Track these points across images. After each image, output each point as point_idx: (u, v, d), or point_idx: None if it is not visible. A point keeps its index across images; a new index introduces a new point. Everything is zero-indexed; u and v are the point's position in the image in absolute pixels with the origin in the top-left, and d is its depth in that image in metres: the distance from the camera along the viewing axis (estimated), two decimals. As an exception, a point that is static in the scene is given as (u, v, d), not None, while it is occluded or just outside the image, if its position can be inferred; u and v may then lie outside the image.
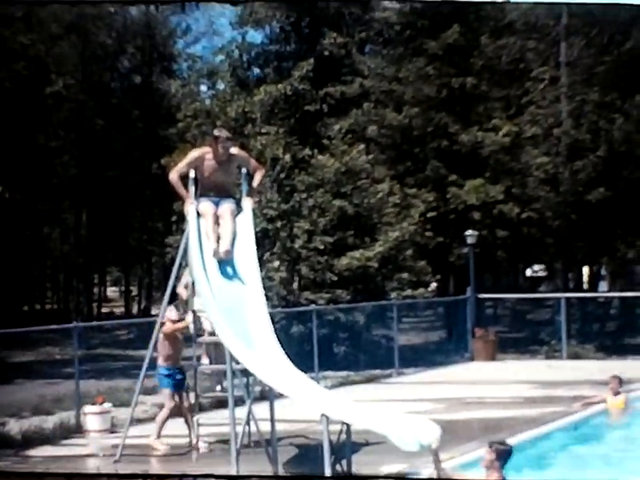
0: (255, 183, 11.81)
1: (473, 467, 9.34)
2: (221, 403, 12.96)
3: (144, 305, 45.14)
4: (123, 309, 48.02)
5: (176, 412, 11.98)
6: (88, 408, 13.66)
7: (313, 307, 19.88)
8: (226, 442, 10.84)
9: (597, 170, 27.13)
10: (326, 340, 20.49)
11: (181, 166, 11.59)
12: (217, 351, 11.62)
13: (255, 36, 29.24)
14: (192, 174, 11.47)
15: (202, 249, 11.02)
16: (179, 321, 12.00)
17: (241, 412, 10.60)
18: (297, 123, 25.77)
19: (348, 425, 9.55)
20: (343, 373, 19.63)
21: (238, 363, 10.26)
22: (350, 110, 26.62)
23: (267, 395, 11.00)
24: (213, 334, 11.08)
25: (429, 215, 25.62)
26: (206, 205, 11.30)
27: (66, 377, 17.09)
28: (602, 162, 27.08)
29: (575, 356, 22.51)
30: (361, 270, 22.52)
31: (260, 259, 11.97)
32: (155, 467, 11.28)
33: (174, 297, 12.55)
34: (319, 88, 26.06)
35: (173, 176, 11.48)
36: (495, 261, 32.08)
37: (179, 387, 12.02)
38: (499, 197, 26.30)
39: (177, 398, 11.98)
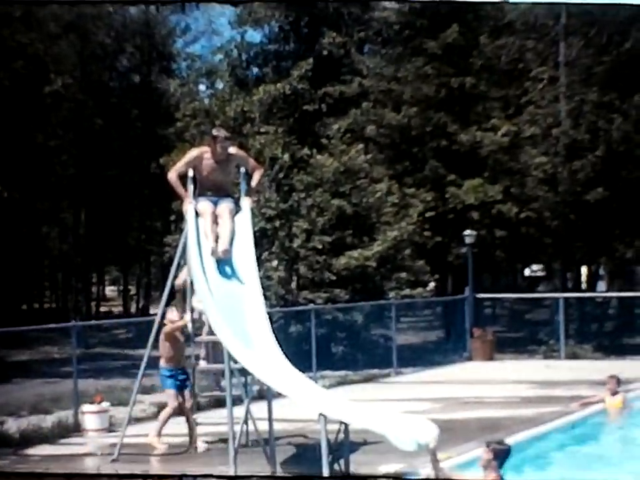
0: (254, 182, 11.81)
1: (471, 467, 9.35)
2: (218, 402, 12.96)
3: (142, 304, 45.11)
4: (121, 308, 48.02)
5: (178, 411, 12.00)
6: (86, 407, 13.66)
7: (311, 306, 19.88)
8: (224, 441, 10.85)
9: (596, 170, 27.11)
10: (324, 339, 20.50)
11: (180, 165, 11.58)
12: (215, 350, 11.63)
13: (254, 35, 29.25)
14: (190, 173, 11.47)
15: (200, 248, 11.02)
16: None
17: (239, 411, 10.60)
18: (296, 122, 25.79)
19: (346, 425, 9.56)
20: (341, 373, 19.63)
21: (236, 362, 10.27)
22: (349, 109, 26.64)
23: (265, 395, 11.01)
24: (211, 333, 11.09)
25: (428, 214, 25.62)
26: (204, 204, 11.30)
27: (64, 375, 17.07)
28: (601, 162, 27.06)
29: (573, 356, 22.52)
30: (359, 269, 22.53)
31: (258, 258, 11.99)
32: (154, 467, 11.28)
33: (172, 296, 12.55)
34: (317, 87, 26.08)
35: (172, 175, 11.47)
36: (493, 260, 32.09)
37: (181, 387, 12.02)
38: (498, 196, 26.30)
39: (179, 398, 11.98)
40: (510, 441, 8.97)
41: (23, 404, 15.60)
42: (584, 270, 35.50)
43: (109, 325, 35.08)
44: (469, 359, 22.66)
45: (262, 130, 23.62)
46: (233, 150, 11.74)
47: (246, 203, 11.58)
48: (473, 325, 23.28)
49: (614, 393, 14.14)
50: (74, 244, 40.32)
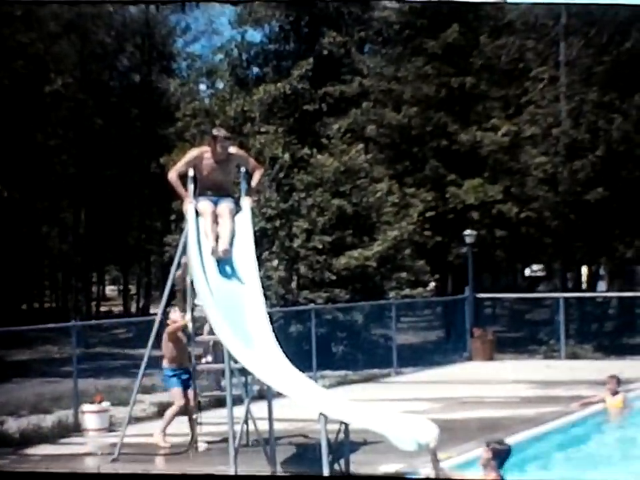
0: (254, 182, 11.81)
1: (471, 467, 9.35)
2: (219, 402, 12.96)
3: (142, 304, 45.09)
4: (121, 308, 47.97)
5: (182, 411, 11.99)
6: (86, 406, 13.66)
7: (311, 306, 19.87)
8: (224, 441, 10.84)
9: (596, 170, 27.11)
10: (324, 339, 20.49)
11: (180, 165, 11.59)
12: (216, 350, 11.63)
13: (254, 35, 29.22)
14: (191, 173, 11.47)
15: (201, 248, 11.02)
16: (179, 321, 12.00)
17: (239, 411, 10.60)
18: (296, 122, 25.79)
19: (346, 425, 9.56)
20: (342, 372, 19.62)
21: (236, 361, 10.26)
22: (349, 109, 26.63)
23: (265, 394, 11.01)
24: (211, 332, 11.08)
25: (428, 214, 25.61)
26: (205, 204, 11.30)
27: (64, 375, 17.05)
28: (601, 162, 27.06)
29: (573, 356, 22.53)
30: (359, 269, 22.52)
31: (258, 258, 11.99)
32: (154, 466, 11.28)
33: (172, 296, 12.55)
34: (318, 87, 26.08)
35: (172, 175, 11.48)
36: (493, 260, 32.09)
37: (185, 386, 12.00)
38: (498, 196, 26.29)
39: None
40: (510, 440, 8.97)
41: (23, 403, 15.60)
42: (584, 270, 35.50)
43: (109, 324, 35.03)
44: (469, 358, 22.66)
45: (262, 130, 23.61)
46: (233, 150, 11.74)
47: (246, 202, 11.58)
48: (473, 325, 23.28)
49: (614, 393, 14.14)
50: (74, 243, 40.30)
